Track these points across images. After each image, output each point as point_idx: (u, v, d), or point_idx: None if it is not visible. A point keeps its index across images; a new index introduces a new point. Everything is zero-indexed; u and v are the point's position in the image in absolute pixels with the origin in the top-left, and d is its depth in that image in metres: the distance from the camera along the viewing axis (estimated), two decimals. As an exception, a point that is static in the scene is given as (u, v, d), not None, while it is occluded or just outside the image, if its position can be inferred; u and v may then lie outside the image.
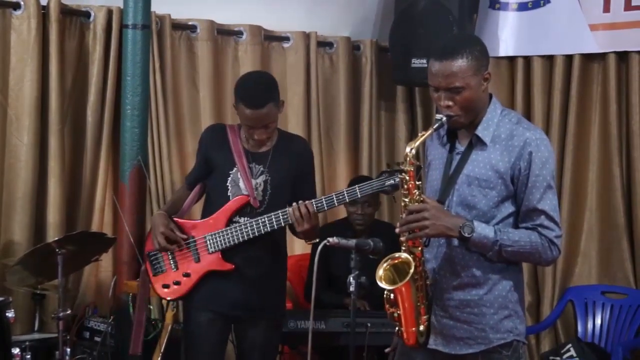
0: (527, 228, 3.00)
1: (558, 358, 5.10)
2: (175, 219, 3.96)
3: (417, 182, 3.01)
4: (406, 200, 3.00)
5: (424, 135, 3.01)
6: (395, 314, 3.05)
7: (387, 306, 3.07)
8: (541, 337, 5.58)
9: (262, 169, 3.85)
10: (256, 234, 3.75)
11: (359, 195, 3.73)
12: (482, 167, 3.01)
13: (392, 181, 3.66)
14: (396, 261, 3.02)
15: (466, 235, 2.93)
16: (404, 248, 3.01)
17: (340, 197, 3.73)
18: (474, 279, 3.02)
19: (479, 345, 3.03)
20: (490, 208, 3.00)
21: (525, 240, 2.98)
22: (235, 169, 3.84)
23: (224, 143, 3.89)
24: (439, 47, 3.03)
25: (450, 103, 2.97)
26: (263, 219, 3.75)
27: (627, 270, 5.40)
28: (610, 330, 5.25)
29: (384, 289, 3.03)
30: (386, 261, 3.03)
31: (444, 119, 2.98)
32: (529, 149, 2.97)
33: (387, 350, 3.25)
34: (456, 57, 2.94)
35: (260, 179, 3.84)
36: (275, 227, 3.76)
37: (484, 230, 2.95)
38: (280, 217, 3.73)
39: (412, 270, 2.96)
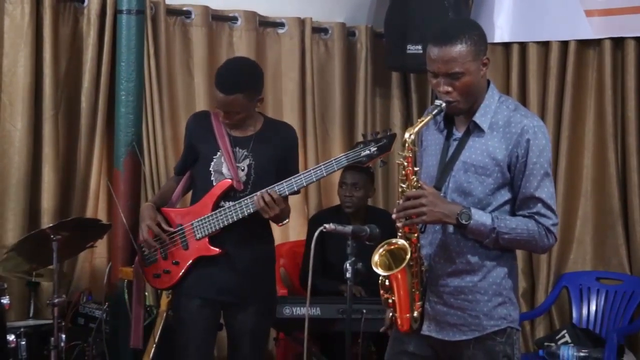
0: (523, 216, 3.00)
1: (553, 344, 5.11)
2: (163, 209, 3.96)
3: (415, 168, 3.00)
4: (403, 186, 2.99)
5: (423, 121, 2.99)
6: (390, 300, 3.05)
7: (381, 292, 3.07)
8: (536, 323, 5.59)
9: (245, 153, 3.85)
10: (240, 216, 3.75)
11: (336, 168, 3.68)
12: (479, 154, 3.00)
13: (367, 151, 3.63)
14: (392, 247, 3.01)
15: (463, 222, 2.92)
16: (400, 234, 3.01)
17: (319, 171, 3.70)
18: (469, 265, 3.02)
19: (473, 332, 3.03)
20: (486, 195, 3.00)
21: (522, 228, 2.97)
22: (218, 153, 3.85)
23: (208, 129, 3.89)
24: (437, 32, 3.01)
25: (450, 89, 2.96)
26: (246, 201, 3.74)
27: (622, 256, 5.40)
28: (605, 316, 5.25)
29: (379, 275, 3.02)
30: (382, 247, 3.02)
31: (443, 104, 2.97)
32: (527, 137, 2.96)
33: (382, 329, 3.25)
34: (455, 42, 2.92)
35: (244, 163, 3.84)
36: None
37: (481, 217, 2.94)
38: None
39: (408, 257, 2.95)
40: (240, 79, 3.78)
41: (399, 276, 2.98)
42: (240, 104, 3.75)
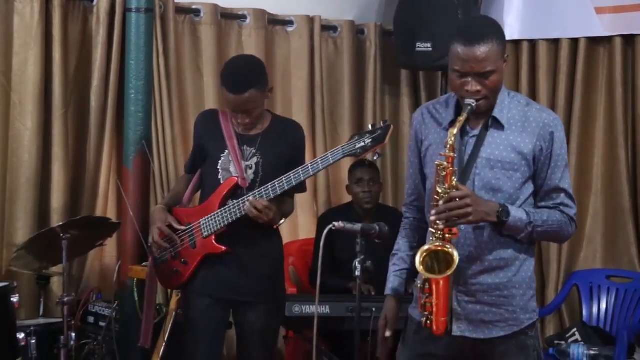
0: (548, 207, 3.03)
1: (563, 342, 5.10)
2: (175, 209, 3.97)
3: (455, 169, 2.95)
4: (444, 187, 2.93)
5: (461, 121, 2.95)
6: (428, 304, 2.98)
7: (419, 295, 3.01)
8: (546, 321, 5.57)
9: (253, 151, 3.84)
10: (244, 212, 3.73)
11: (332, 161, 3.65)
12: (502, 150, 3.00)
13: (362, 143, 3.60)
14: (439, 249, 2.95)
15: (504, 219, 2.93)
16: (438, 236, 2.94)
17: (315, 165, 3.68)
18: (502, 261, 3.02)
19: (511, 327, 3.03)
20: (515, 190, 3.01)
21: (552, 219, 3.01)
22: (226, 152, 3.84)
23: (216, 128, 3.89)
24: (466, 32, 2.98)
25: (479, 87, 2.95)
26: (249, 197, 3.73)
27: (633, 254, 5.39)
28: (616, 314, 5.24)
29: (420, 274, 2.98)
30: (428, 247, 2.96)
31: (474, 104, 2.95)
32: (550, 129, 3.00)
33: (387, 334, 3.22)
34: (487, 42, 2.92)
35: (252, 161, 3.84)
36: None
37: (517, 213, 2.96)
38: (263, 193, 3.71)
39: (456, 263, 2.89)
40: (249, 75, 3.78)
41: (441, 280, 2.94)
42: (255, 98, 3.75)
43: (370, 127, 3.66)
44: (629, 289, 5.24)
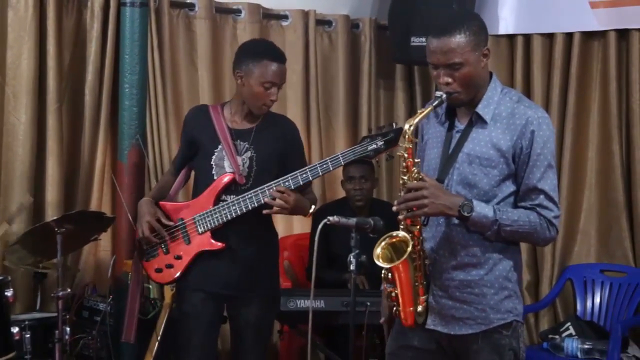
0: (525, 207, 2.99)
1: (557, 336, 5.11)
2: (163, 203, 3.95)
3: (416, 160, 2.99)
4: (404, 178, 2.98)
5: (423, 112, 2.98)
6: (393, 294, 3.04)
7: (385, 285, 3.06)
8: (540, 315, 5.58)
9: (246, 145, 3.84)
10: (244, 210, 3.74)
11: (342, 162, 3.68)
12: (483, 146, 2.99)
13: (374, 145, 3.63)
14: (394, 240, 3.00)
15: (465, 214, 2.91)
16: (402, 226, 3.00)
17: (325, 165, 3.69)
18: (474, 258, 3.01)
19: (479, 325, 3.02)
20: (491, 187, 2.99)
21: (524, 219, 2.96)
22: (219, 147, 3.83)
23: (208, 123, 3.88)
24: (437, 24, 3.01)
25: (450, 80, 2.96)
26: (250, 195, 3.73)
27: (626, 248, 5.40)
28: (609, 308, 5.25)
29: (382, 268, 3.02)
30: (384, 240, 3.02)
31: (444, 96, 2.96)
32: (531, 128, 2.95)
33: (381, 320, 3.24)
34: (454, 33, 2.92)
35: (246, 156, 3.83)
36: (262, 202, 3.72)
37: (483, 209, 2.93)
38: (266, 191, 3.71)
39: (409, 249, 2.95)
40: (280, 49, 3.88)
41: (401, 268, 2.98)
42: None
43: (379, 129, 3.68)
44: (622, 283, 5.26)
